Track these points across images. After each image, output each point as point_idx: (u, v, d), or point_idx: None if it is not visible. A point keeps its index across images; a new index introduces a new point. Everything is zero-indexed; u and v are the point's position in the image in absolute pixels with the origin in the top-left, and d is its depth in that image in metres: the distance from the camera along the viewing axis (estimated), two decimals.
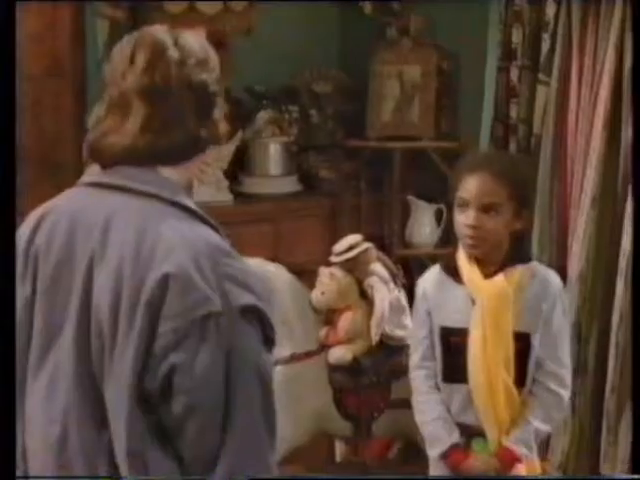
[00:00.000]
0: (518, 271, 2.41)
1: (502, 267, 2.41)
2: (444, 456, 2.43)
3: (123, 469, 1.43)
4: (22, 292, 1.55)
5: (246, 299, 1.43)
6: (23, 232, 1.58)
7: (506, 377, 2.39)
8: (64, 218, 1.54)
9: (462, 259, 2.44)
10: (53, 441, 1.48)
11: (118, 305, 1.42)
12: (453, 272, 2.46)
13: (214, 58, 1.58)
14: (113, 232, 1.46)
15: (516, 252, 2.43)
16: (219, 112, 1.57)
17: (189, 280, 1.40)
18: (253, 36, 3.92)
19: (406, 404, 2.66)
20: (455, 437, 2.42)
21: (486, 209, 2.35)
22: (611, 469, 3.19)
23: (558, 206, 3.45)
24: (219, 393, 1.40)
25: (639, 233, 2.90)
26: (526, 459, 2.43)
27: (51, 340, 1.50)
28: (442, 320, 2.45)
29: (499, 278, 2.40)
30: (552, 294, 2.44)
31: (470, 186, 2.37)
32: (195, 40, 1.57)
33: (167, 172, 1.52)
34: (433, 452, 2.46)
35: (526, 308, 2.41)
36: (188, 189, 1.57)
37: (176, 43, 1.53)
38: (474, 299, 2.42)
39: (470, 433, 2.43)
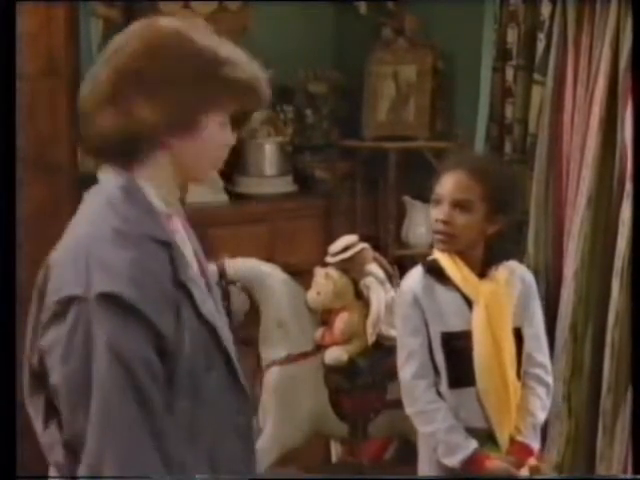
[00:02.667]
0: (501, 270, 2.47)
1: (483, 268, 2.45)
2: (467, 462, 2.37)
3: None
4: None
5: (107, 286, 1.41)
6: None
7: (513, 375, 2.42)
8: None
9: (446, 262, 2.44)
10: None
11: None
12: (439, 275, 2.45)
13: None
14: None
15: (494, 253, 2.47)
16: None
17: (60, 265, 1.47)
18: (248, 36, 3.92)
19: (402, 405, 2.65)
20: (473, 442, 2.39)
21: (458, 205, 2.39)
22: (607, 469, 3.18)
23: (553, 206, 3.44)
24: (79, 376, 1.41)
25: (637, 233, 2.89)
26: (537, 451, 2.47)
27: None
28: (441, 326, 2.42)
29: (493, 277, 2.44)
30: (532, 288, 2.54)
31: (446, 182, 2.42)
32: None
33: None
34: (453, 460, 2.38)
35: (515, 304, 2.47)
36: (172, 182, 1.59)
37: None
38: (470, 300, 2.43)
39: (478, 437, 2.41)
